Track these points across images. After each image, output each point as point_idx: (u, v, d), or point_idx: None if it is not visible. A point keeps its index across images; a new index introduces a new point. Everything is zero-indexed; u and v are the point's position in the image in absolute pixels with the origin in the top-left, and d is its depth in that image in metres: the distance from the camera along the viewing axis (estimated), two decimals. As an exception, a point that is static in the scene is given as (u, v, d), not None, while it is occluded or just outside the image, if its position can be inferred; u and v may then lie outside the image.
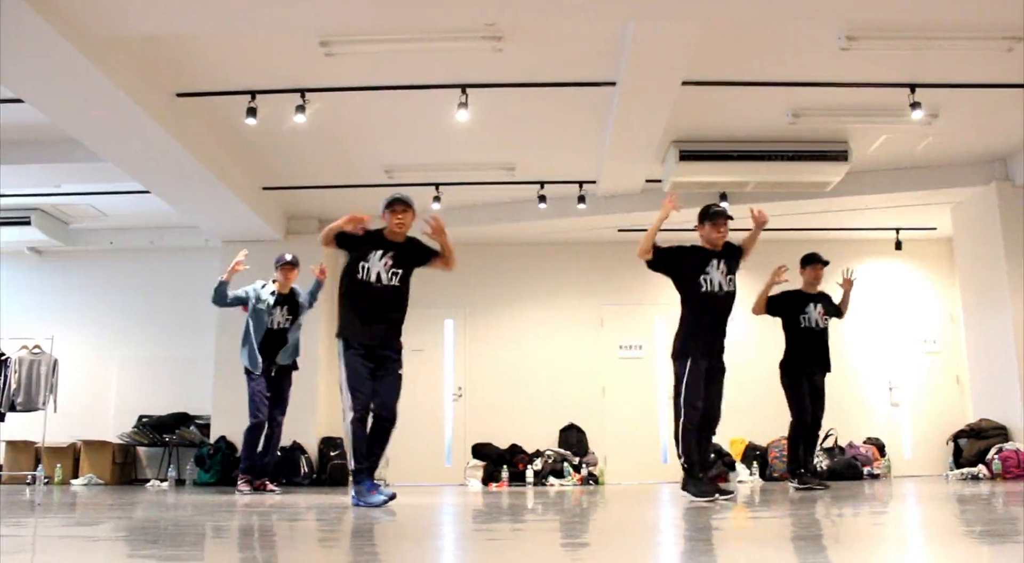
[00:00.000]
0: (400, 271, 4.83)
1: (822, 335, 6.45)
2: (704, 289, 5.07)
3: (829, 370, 6.49)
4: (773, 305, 6.42)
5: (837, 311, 6.63)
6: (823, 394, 6.43)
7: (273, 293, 6.83)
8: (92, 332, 9.99)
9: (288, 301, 6.88)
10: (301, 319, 6.98)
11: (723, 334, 5.15)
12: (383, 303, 4.81)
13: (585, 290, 10.04)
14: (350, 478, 4.86)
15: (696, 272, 5.11)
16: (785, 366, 6.43)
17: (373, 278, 4.78)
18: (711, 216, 5.24)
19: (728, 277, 5.14)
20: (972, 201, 8.64)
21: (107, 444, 9.17)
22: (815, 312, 6.43)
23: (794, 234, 9.69)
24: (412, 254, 4.94)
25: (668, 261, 5.18)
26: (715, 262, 5.14)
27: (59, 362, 9.03)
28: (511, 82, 6.45)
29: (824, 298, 6.56)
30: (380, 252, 4.81)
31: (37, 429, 8.66)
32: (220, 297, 6.72)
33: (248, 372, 6.72)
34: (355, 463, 4.73)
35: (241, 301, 6.80)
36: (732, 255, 5.27)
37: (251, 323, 6.76)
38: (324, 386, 9.21)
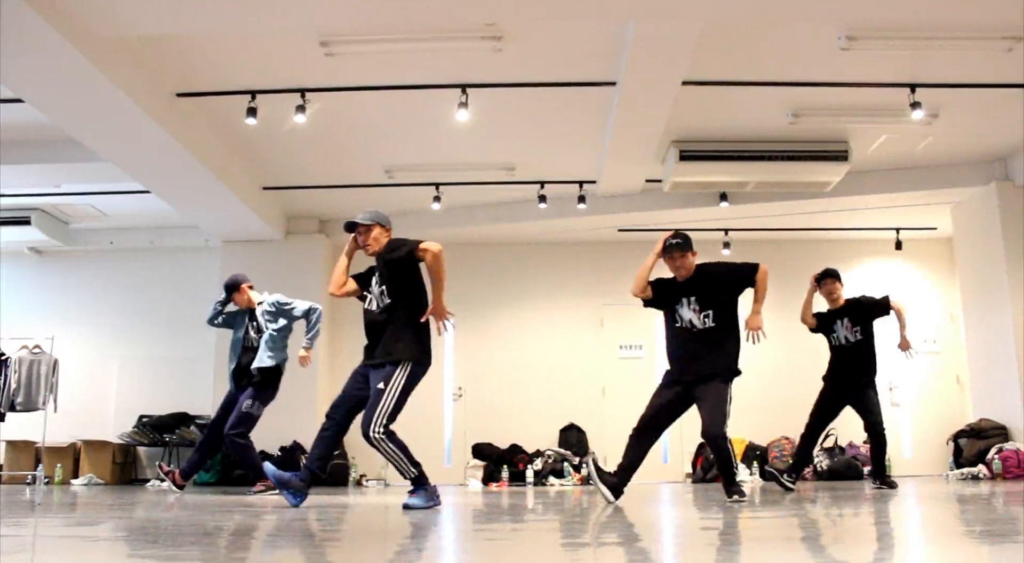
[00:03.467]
0: (384, 288, 4.50)
1: (856, 350, 6.25)
2: (678, 324, 4.95)
3: (869, 380, 6.29)
4: (819, 326, 6.40)
5: (869, 313, 6.37)
6: (870, 404, 6.24)
7: (240, 312, 6.70)
8: (92, 332, 9.99)
9: (254, 317, 6.65)
10: (272, 330, 6.50)
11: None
12: (376, 326, 4.53)
13: (585, 290, 10.04)
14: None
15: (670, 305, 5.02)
16: (824, 387, 6.39)
17: (374, 307, 4.56)
18: (665, 250, 4.99)
19: (703, 313, 4.87)
20: (972, 201, 8.64)
21: (107, 444, 9.17)
22: (842, 329, 6.30)
23: (794, 234, 9.71)
24: (393, 265, 4.49)
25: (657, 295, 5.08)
26: (684, 299, 4.93)
27: (59, 362, 9.03)
28: (511, 82, 6.45)
29: (851, 310, 6.36)
30: (375, 278, 4.60)
31: (37, 429, 8.66)
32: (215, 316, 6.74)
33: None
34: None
35: (227, 320, 6.75)
36: (707, 286, 4.92)
37: (230, 350, 6.73)
38: (323, 387, 9.22)
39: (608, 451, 9.48)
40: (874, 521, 3.57)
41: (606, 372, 9.90)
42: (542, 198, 8.57)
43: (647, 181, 8.45)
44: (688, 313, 4.89)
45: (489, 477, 8.80)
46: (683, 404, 4.95)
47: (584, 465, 4.74)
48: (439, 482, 9.24)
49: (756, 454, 9.05)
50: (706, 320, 4.85)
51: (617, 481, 4.91)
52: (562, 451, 9.10)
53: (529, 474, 8.71)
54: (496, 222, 9.32)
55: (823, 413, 6.33)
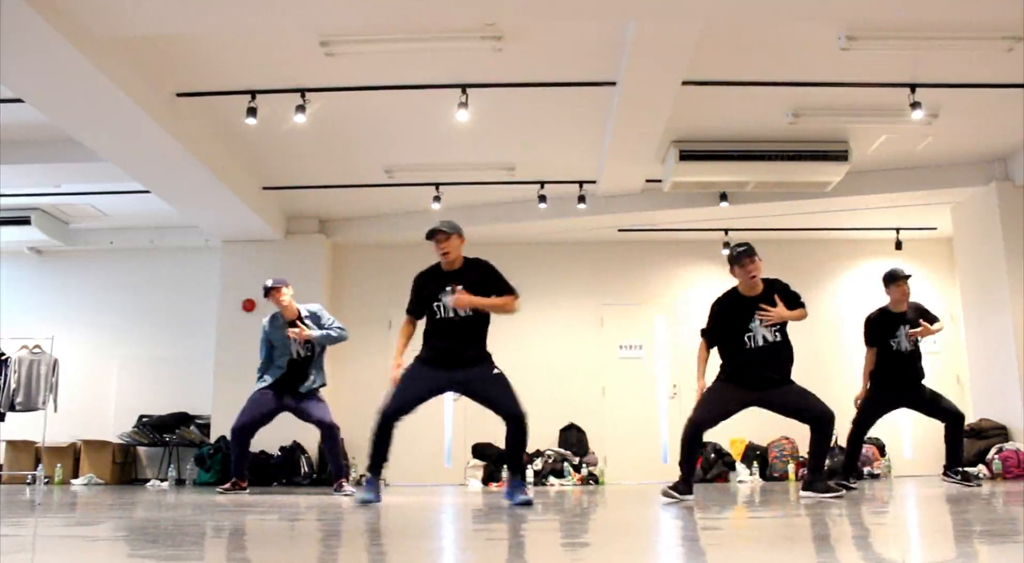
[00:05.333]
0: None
1: (912, 355, 5.97)
2: (748, 346, 4.82)
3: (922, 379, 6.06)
4: (869, 334, 6.04)
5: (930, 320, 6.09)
6: (935, 395, 6.02)
7: (281, 325, 6.43)
8: (92, 332, 9.99)
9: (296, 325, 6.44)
10: (318, 348, 6.54)
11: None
12: (455, 333, 4.70)
13: (585, 290, 10.04)
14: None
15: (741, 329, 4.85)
16: (873, 390, 6.05)
17: (451, 315, 4.69)
18: (736, 258, 4.89)
19: (775, 328, 4.84)
20: (972, 201, 8.64)
21: (107, 444, 9.17)
22: (903, 334, 5.95)
23: (794, 234, 9.71)
24: (481, 280, 4.76)
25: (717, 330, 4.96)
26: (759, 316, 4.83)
27: (59, 362, 9.04)
28: (511, 82, 6.45)
29: (911, 317, 6.04)
30: (448, 288, 4.71)
31: (37, 429, 8.67)
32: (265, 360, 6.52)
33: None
34: (369, 455, 4.76)
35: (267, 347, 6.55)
36: (783, 300, 4.90)
37: (271, 357, 6.48)
38: (324, 388, 9.20)
39: (608, 451, 9.49)
40: (873, 521, 3.57)
41: (606, 372, 9.89)
42: (542, 198, 8.57)
43: (647, 181, 8.45)
44: (762, 331, 4.83)
45: (489, 477, 8.80)
46: (743, 406, 4.90)
47: (670, 497, 4.81)
48: (439, 482, 9.29)
49: (756, 454, 9.05)
50: (776, 335, 4.86)
51: (685, 487, 4.81)
52: (562, 451, 9.10)
53: (529, 474, 8.70)
54: (496, 222, 9.31)
55: (874, 413, 6.10)
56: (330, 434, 6.53)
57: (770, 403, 4.89)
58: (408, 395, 4.70)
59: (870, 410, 6.13)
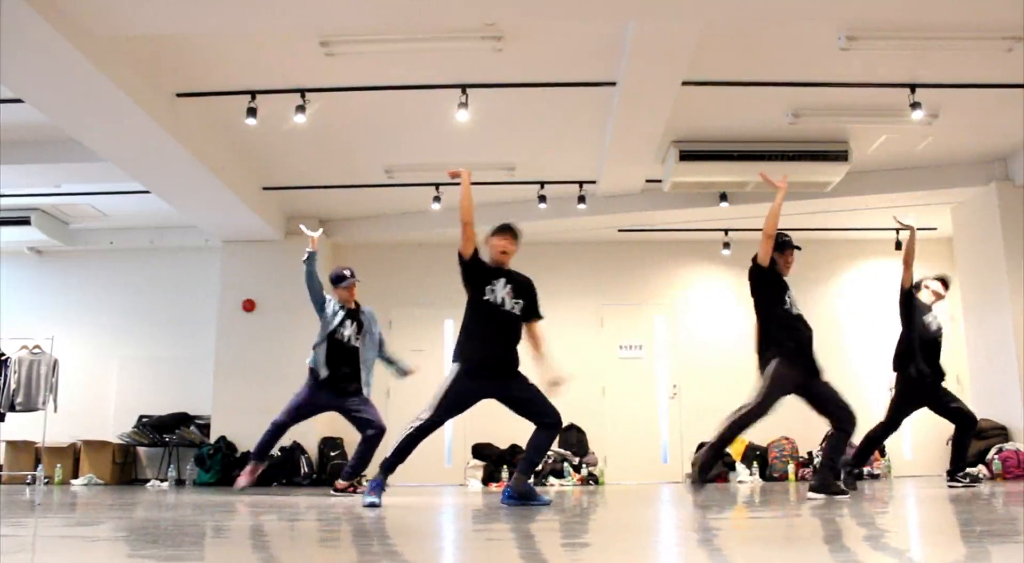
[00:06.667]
0: (522, 302, 4.90)
1: (939, 344, 6.40)
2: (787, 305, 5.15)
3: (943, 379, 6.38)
4: (902, 304, 6.33)
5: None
6: (949, 393, 6.35)
7: (342, 308, 6.29)
8: (92, 332, 9.99)
9: (356, 317, 6.32)
10: (371, 346, 6.42)
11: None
12: (507, 329, 4.80)
13: (585, 290, 10.04)
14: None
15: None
16: (904, 379, 6.32)
17: (505, 305, 4.80)
18: (785, 246, 5.34)
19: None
20: (972, 201, 8.64)
21: (107, 444, 9.17)
22: (933, 320, 6.36)
23: (794, 234, 9.66)
24: (525, 287, 4.98)
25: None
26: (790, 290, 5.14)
27: (59, 362, 9.04)
28: (511, 82, 6.45)
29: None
30: (503, 280, 4.85)
31: (37, 429, 8.66)
32: (311, 272, 6.10)
33: (311, 372, 6.24)
34: (390, 457, 4.84)
35: (321, 298, 6.26)
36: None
37: (320, 333, 6.28)
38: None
39: (608, 451, 9.49)
40: (874, 521, 3.57)
41: (606, 372, 9.89)
42: (542, 198, 8.57)
43: (647, 181, 8.45)
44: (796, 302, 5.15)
45: (489, 477, 8.80)
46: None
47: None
48: (439, 482, 9.28)
49: (756, 454, 9.05)
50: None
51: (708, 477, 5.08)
52: (562, 451, 9.10)
53: (529, 474, 8.70)
54: (496, 222, 9.29)
55: (905, 412, 6.30)
56: (379, 437, 6.31)
57: (808, 392, 5.03)
58: (452, 414, 4.94)
59: (901, 410, 6.28)
